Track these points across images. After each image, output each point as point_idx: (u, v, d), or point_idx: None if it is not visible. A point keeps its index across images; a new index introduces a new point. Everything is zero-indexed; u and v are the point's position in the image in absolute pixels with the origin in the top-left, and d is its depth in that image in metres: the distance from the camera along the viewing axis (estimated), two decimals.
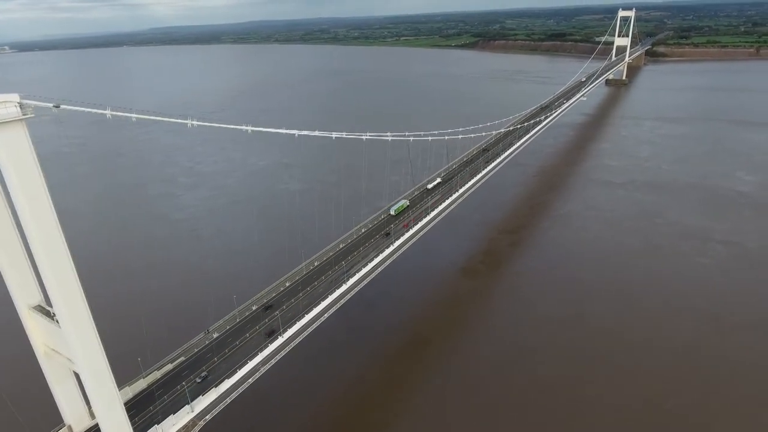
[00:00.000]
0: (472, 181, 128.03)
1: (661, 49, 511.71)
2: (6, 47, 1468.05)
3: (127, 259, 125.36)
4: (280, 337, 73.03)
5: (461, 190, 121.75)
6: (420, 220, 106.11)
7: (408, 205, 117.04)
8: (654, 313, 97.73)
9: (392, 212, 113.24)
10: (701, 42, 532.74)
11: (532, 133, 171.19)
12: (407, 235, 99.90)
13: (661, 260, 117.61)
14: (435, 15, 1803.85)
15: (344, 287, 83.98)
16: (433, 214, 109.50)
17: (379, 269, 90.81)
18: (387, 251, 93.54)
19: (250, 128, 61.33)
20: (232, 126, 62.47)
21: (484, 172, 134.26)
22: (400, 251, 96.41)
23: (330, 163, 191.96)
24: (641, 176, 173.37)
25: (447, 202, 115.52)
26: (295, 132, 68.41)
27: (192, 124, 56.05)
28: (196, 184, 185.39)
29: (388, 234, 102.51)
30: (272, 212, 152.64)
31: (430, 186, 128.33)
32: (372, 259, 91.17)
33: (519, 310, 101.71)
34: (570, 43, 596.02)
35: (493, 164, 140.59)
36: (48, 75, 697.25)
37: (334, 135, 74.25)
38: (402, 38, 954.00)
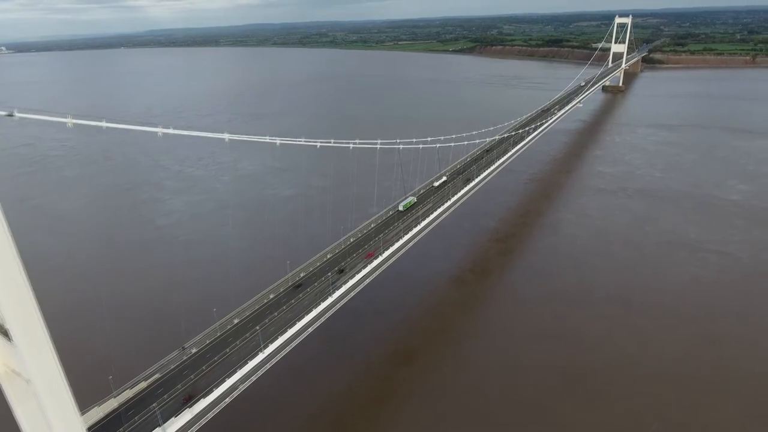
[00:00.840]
0: (464, 191, 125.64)
1: (657, 56, 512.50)
2: (2, 48, 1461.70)
3: (105, 268, 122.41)
4: (261, 353, 70.14)
5: (452, 200, 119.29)
6: (397, 240, 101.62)
7: (415, 202, 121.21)
8: (643, 328, 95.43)
9: (401, 208, 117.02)
10: (697, 49, 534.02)
11: (526, 141, 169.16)
12: (365, 271, 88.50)
13: (650, 271, 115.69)
14: (433, 20, 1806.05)
15: (329, 300, 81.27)
16: (424, 223, 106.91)
17: (367, 280, 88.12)
18: (362, 272, 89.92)
19: (228, 136, 58.43)
20: (208, 134, 59.44)
21: (476, 181, 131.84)
22: (387, 263, 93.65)
23: (321, 167, 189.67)
24: (633, 184, 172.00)
25: (437, 212, 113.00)
26: (277, 140, 65.57)
27: (161, 133, 53.01)
28: (183, 189, 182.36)
29: (341, 271, 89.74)
30: (259, 219, 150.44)
31: (436, 184, 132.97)
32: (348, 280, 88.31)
33: (506, 323, 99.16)
34: (567, 49, 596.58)
35: (486, 173, 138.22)
36: (42, 76, 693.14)
37: (318, 144, 71.54)
38: (399, 42, 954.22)
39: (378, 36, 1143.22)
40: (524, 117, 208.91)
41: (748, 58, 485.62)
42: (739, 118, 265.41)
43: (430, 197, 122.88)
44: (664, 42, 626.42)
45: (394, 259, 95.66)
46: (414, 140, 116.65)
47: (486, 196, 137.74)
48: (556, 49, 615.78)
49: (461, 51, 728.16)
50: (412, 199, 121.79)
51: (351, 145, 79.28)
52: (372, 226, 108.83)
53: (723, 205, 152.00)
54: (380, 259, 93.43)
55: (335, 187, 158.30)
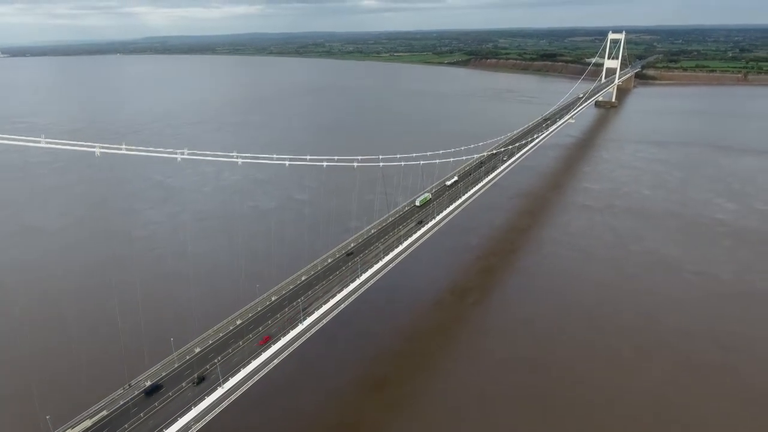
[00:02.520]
0: (450, 209, 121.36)
1: (650, 72, 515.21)
2: None
3: (72, 285, 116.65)
4: (220, 388, 64.92)
5: (437, 219, 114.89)
6: (375, 262, 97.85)
7: (430, 198, 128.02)
8: (623, 355, 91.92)
9: (417, 203, 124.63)
10: (690, 66, 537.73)
11: (516, 156, 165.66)
12: (341, 295, 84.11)
13: (631, 293, 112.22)
14: (431, 32, 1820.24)
15: (298, 329, 76.24)
16: (407, 243, 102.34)
17: (340, 307, 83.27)
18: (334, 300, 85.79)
19: (180, 156, 53.83)
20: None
21: (463, 198, 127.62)
22: (364, 287, 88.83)
23: (304, 179, 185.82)
24: (620, 201, 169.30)
25: (422, 230, 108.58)
26: (239, 159, 61.05)
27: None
28: (163, 199, 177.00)
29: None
30: (236, 233, 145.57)
31: (448, 183, 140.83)
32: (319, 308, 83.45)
33: (482, 349, 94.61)
34: (561, 63, 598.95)
35: (474, 190, 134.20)
36: (34, 80, 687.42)
37: (287, 163, 67.01)
38: (396, 54, 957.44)
39: (374, 47, 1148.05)
40: (512, 133, 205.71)
41: (739, 75, 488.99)
42: (728, 135, 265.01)
43: (412, 216, 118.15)
44: (658, 58, 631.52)
45: (373, 281, 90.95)
46: (398, 156, 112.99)
47: (469, 213, 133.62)
48: (550, 63, 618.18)
49: (456, 63, 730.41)
50: (427, 195, 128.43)
51: (324, 164, 74.78)
52: (351, 245, 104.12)
53: (709, 224, 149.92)
54: (358, 281, 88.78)
55: (316, 201, 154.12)
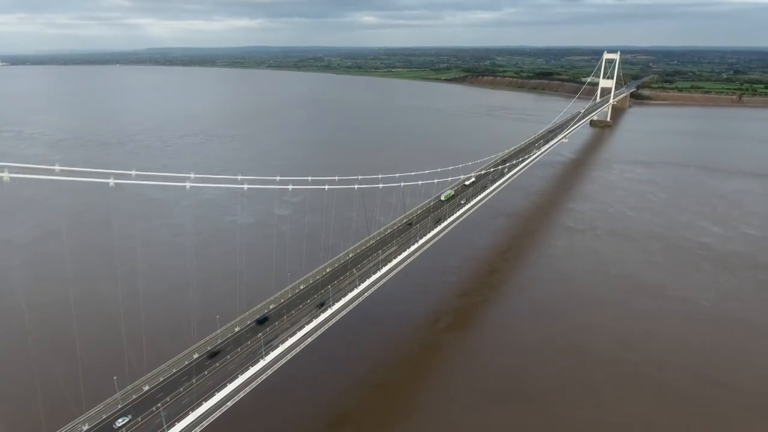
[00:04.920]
0: (434, 232, 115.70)
1: (646, 92, 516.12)
2: None
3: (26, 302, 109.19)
4: None
5: (419, 242, 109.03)
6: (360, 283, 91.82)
7: (453, 194, 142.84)
8: (597, 383, 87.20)
9: (442, 198, 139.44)
10: (685, 87, 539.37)
11: (505, 178, 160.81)
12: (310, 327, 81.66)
13: (610, 319, 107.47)
14: (429, 49, 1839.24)
15: (261, 364, 69.78)
16: (384, 269, 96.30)
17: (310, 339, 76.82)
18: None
19: (246, 185, 48.60)
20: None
21: (448, 220, 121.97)
22: (336, 318, 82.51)
23: (286, 194, 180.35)
24: (603, 223, 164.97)
25: (402, 255, 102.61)
26: (245, 186, 55.34)
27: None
28: (139, 212, 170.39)
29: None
30: (212, 250, 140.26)
31: (467, 182, 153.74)
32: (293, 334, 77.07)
33: (455, 381, 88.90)
34: (557, 82, 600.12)
35: (460, 212, 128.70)
36: (30, 88, 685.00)
37: (245, 186, 61.43)
38: (393, 69, 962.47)
39: (373, 62, 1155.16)
40: (502, 153, 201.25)
41: (734, 97, 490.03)
42: (719, 156, 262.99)
43: (395, 239, 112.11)
44: (653, 78, 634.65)
45: (346, 311, 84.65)
46: (379, 176, 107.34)
47: (448, 232, 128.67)
48: (546, 81, 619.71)
49: (452, 80, 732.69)
50: (450, 191, 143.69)
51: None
52: (327, 270, 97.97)
53: (692, 247, 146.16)
54: (330, 311, 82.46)
55: (295, 218, 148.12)
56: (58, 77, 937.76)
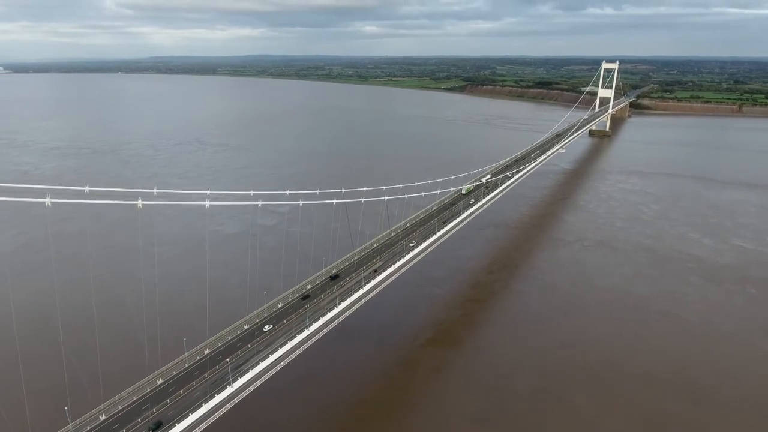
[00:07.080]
0: (426, 243, 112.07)
1: (645, 101, 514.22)
2: (0, 67, 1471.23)
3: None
4: None
5: (408, 257, 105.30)
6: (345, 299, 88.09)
7: (473, 189, 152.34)
8: (578, 406, 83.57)
9: (463, 191, 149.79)
10: (685, 96, 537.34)
11: (499, 189, 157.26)
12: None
13: (592, 336, 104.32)
14: (430, 58, 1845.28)
15: (229, 390, 65.83)
16: (370, 285, 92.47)
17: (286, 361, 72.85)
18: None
19: (260, 202, 45.06)
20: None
21: (440, 232, 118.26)
22: (311, 340, 78.55)
23: (271, 205, 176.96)
24: (593, 234, 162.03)
25: (389, 270, 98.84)
26: (258, 202, 52.30)
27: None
28: (122, 222, 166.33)
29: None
30: (193, 262, 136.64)
31: (483, 180, 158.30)
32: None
33: (439, 402, 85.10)
34: (557, 91, 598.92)
35: (453, 223, 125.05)
36: (30, 95, 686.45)
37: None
38: (394, 78, 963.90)
39: (373, 71, 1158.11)
40: (500, 162, 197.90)
41: (734, 107, 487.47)
42: (716, 167, 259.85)
43: (377, 256, 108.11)
44: (652, 88, 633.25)
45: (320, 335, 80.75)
46: (365, 189, 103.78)
47: (437, 245, 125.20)
48: (545, 90, 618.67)
49: (452, 89, 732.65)
50: (470, 186, 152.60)
51: (260, 204, 66.20)
52: (313, 285, 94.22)
53: (681, 259, 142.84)
54: (306, 333, 78.57)
55: (279, 229, 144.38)
56: (59, 85, 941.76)
